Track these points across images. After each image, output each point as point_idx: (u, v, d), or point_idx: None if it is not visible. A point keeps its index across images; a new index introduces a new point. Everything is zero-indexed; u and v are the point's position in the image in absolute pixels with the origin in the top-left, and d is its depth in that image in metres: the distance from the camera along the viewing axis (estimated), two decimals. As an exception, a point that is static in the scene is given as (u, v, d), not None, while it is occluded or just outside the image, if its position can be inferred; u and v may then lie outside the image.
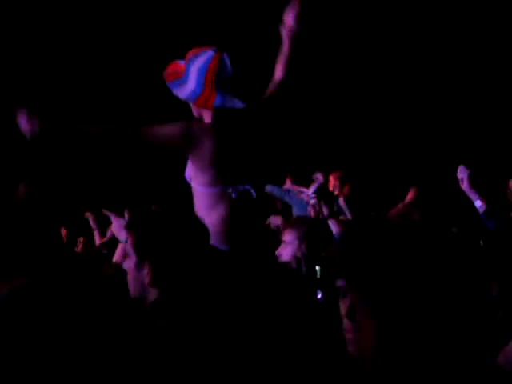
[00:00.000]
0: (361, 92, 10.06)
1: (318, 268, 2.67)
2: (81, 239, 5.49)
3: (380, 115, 10.07)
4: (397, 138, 9.78)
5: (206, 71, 2.70)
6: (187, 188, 2.84)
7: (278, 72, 2.96)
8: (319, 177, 5.25)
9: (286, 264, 2.81)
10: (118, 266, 2.90)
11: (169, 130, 2.80)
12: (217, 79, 2.71)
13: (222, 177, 2.71)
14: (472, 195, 3.22)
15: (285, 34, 2.93)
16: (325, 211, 3.99)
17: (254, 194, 2.76)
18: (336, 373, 1.85)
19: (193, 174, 2.77)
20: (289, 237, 2.97)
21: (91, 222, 5.05)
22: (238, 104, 2.72)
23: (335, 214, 4.12)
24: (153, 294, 1.92)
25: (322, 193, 4.23)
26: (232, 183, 2.69)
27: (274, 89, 2.96)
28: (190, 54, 2.80)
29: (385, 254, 1.41)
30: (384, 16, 10.68)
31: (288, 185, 5.31)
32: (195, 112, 2.84)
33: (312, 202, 4.00)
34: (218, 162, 2.71)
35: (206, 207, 2.68)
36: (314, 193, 4.14)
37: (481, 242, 2.85)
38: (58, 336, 1.68)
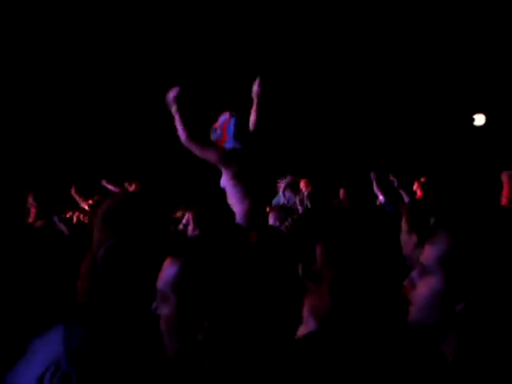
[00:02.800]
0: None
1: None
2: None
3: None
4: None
5: (222, 125, 4.80)
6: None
7: (252, 116, 4.79)
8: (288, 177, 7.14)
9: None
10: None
11: (214, 151, 4.72)
12: (227, 131, 4.80)
13: (241, 183, 4.68)
14: (378, 192, 5.50)
15: (253, 94, 4.76)
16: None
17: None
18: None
19: (225, 181, 4.76)
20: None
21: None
22: (238, 145, 4.78)
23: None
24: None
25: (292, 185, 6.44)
26: (247, 187, 4.62)
27: (252, 128, 4.78)
28: (220, 115, 4.87)
29: (335, 225, 2.00)
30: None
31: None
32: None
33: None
34: (239, 175, 4.72)
35: (234, 202, 4.48)
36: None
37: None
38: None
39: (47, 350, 1.17)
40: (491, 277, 1.38)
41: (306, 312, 1.84)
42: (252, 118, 4.79)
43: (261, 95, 4.74)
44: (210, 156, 4.69)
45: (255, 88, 4.76)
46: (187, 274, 1.61)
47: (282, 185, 6.94)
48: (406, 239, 2.93)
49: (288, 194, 6.83)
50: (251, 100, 4.84)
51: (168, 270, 1.64)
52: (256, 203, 4.56)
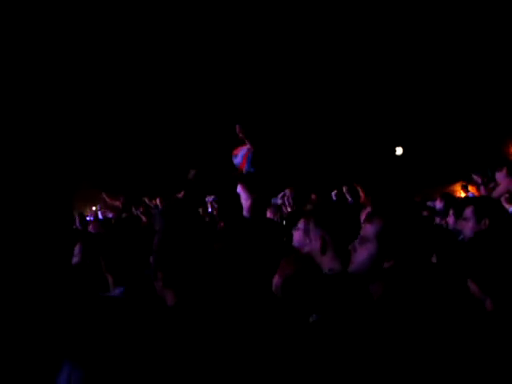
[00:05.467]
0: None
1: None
2: None
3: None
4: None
5: (244, 155, 6.76)
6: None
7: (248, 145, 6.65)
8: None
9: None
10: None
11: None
12: (247, 160, 6.76)
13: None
14: (346, 194, 7.44)
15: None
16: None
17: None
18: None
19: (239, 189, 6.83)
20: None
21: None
22: (252, 170, 6.75)
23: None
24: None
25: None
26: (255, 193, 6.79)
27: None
28: (243, 145, 6.80)
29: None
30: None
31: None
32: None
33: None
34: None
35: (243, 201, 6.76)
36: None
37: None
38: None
39: None
40: (410, 245, 2.00)
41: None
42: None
43: (247, 137, 6.50)
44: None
45: (239, 134, 6.48)
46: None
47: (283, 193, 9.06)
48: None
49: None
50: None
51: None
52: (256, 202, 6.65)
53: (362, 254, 2.03)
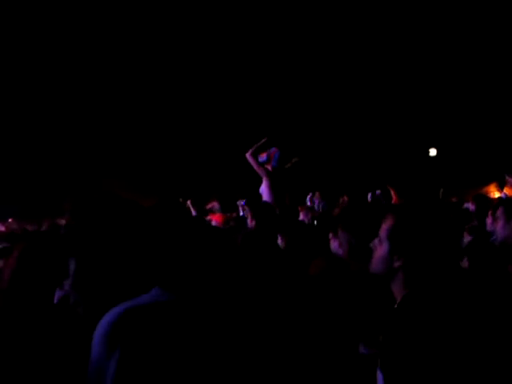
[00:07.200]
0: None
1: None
2: None
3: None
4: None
5: (270, 153, 6.93)
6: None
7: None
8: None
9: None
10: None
11: (263, 168, 7.25)
12: (274, 158, 6.96)
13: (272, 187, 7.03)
14: (380, 196, 7.47)
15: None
16: None
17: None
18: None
19: (263, 187, 7.04)
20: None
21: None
22: (275, 164, 6.99)
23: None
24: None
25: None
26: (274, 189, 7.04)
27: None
28: (271, 148, 7.07)
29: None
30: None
31: None
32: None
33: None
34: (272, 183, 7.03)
35: (266, 196, 6.98)
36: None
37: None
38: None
39: None
40: (421, 245, 1.93)
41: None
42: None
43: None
44: (260, 170, 7.53)
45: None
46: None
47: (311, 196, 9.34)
48: None
49: (315, 201, 9.17)
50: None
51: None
52: (278, 197, 7.36)
53: (377, 253, 2.00)
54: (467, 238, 4.55)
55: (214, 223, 7.75)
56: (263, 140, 7.63)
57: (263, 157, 7.56)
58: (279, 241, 3.40)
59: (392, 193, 6.41)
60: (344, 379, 2.44)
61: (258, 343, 1.74)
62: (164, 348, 1.60)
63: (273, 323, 1.84)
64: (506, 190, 11.03)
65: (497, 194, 12.57)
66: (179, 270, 1.72)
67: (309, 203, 9.15)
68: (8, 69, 13.96)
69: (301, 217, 7.41)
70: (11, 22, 13.69)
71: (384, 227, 2.00)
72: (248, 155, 7.62)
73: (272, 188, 7.35)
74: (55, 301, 2.13)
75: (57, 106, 14.93)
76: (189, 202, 8.05)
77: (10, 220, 9.97)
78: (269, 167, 7.60)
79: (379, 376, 1.75)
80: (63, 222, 6.67)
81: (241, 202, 8.55)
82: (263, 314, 1.83)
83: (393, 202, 6.67)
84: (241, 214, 8.60)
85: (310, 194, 9.86)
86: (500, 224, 3.83)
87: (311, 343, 2.43)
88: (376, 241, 2.02)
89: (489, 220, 4.74)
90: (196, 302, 1.71)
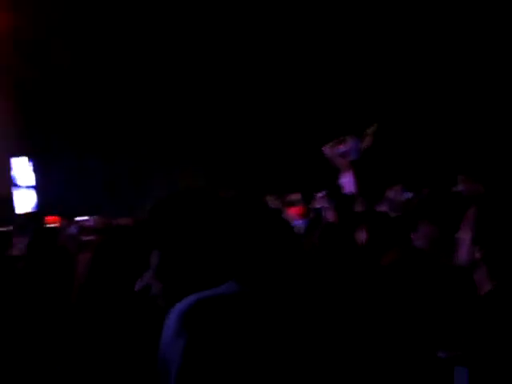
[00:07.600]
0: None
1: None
2: None
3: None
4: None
5: (349, 145, 7.01)
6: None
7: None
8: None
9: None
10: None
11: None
12: (353, 149, 7.03)
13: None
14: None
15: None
16: None
17: None
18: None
19: (344, 178, 7.15)
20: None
21: None
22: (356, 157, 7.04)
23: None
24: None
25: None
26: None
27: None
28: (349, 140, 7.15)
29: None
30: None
31: None
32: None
33: None
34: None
35: (348, 188, 7.10)
36: None
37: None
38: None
39: None
40: (503, 235, 1.91)
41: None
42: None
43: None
44: (341, 161, 7.33)
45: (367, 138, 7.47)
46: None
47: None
48: None
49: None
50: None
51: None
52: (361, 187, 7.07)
53: (460, 245, 1.97)
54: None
55: (294, 215, 7.87)
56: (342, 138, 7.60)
57: (341, 149, 7.69)
58: (362, 234, 3.44)
59: (470, 183, 6.32)
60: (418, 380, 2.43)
61: (330, 340, 1.72)
62: (232, 340, 1.60)
63: (346, 318, 1.81)
64: None
65: None
66: (254, 263, 1.74)
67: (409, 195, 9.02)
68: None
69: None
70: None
71: (468, 218, 1.95)
72: (326, 149, 7.59)
73: (357, 180, 7.18)
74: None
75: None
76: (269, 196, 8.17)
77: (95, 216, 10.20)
78: (348, 159, 7.44)
79: (459, 374, 1.76)
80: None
81: (319, 195, 8.59)
82: (337, 310, 1.80)
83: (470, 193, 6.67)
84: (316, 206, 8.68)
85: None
86: None
87: (385, 341, 2.45)
88: (460, 232, 1.97)
89: None
90: (269, 296, 1.70)
